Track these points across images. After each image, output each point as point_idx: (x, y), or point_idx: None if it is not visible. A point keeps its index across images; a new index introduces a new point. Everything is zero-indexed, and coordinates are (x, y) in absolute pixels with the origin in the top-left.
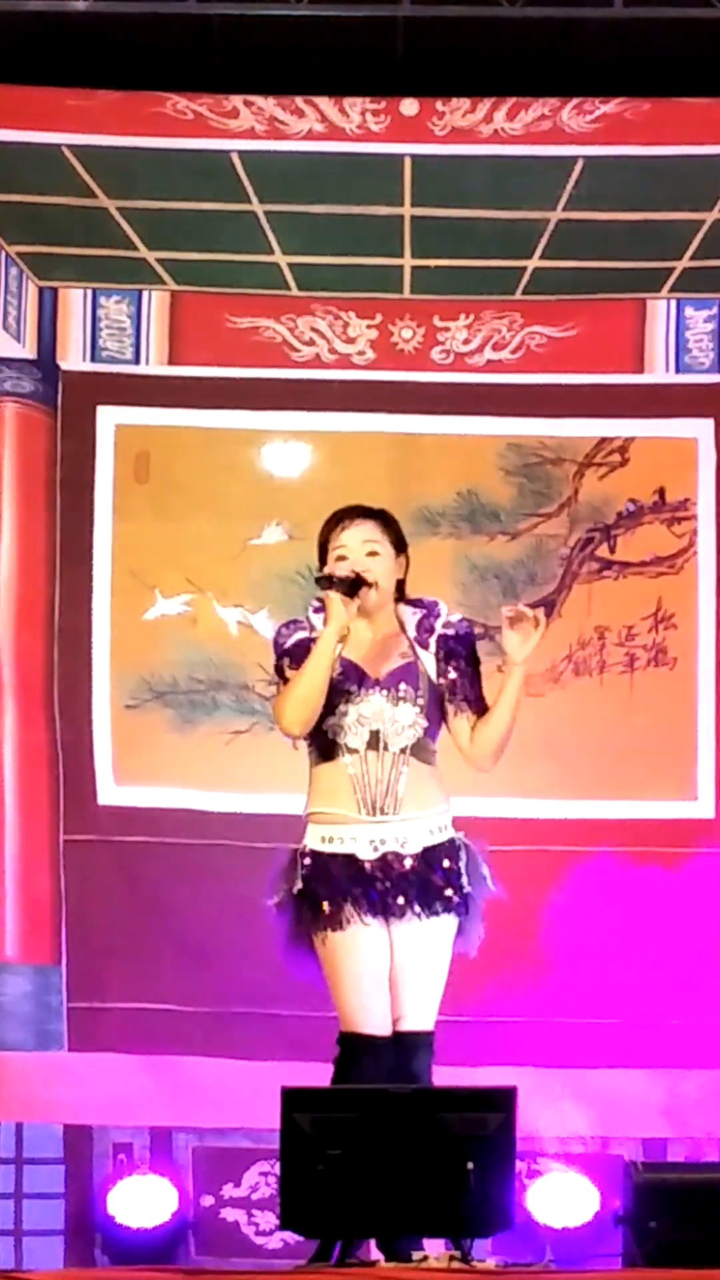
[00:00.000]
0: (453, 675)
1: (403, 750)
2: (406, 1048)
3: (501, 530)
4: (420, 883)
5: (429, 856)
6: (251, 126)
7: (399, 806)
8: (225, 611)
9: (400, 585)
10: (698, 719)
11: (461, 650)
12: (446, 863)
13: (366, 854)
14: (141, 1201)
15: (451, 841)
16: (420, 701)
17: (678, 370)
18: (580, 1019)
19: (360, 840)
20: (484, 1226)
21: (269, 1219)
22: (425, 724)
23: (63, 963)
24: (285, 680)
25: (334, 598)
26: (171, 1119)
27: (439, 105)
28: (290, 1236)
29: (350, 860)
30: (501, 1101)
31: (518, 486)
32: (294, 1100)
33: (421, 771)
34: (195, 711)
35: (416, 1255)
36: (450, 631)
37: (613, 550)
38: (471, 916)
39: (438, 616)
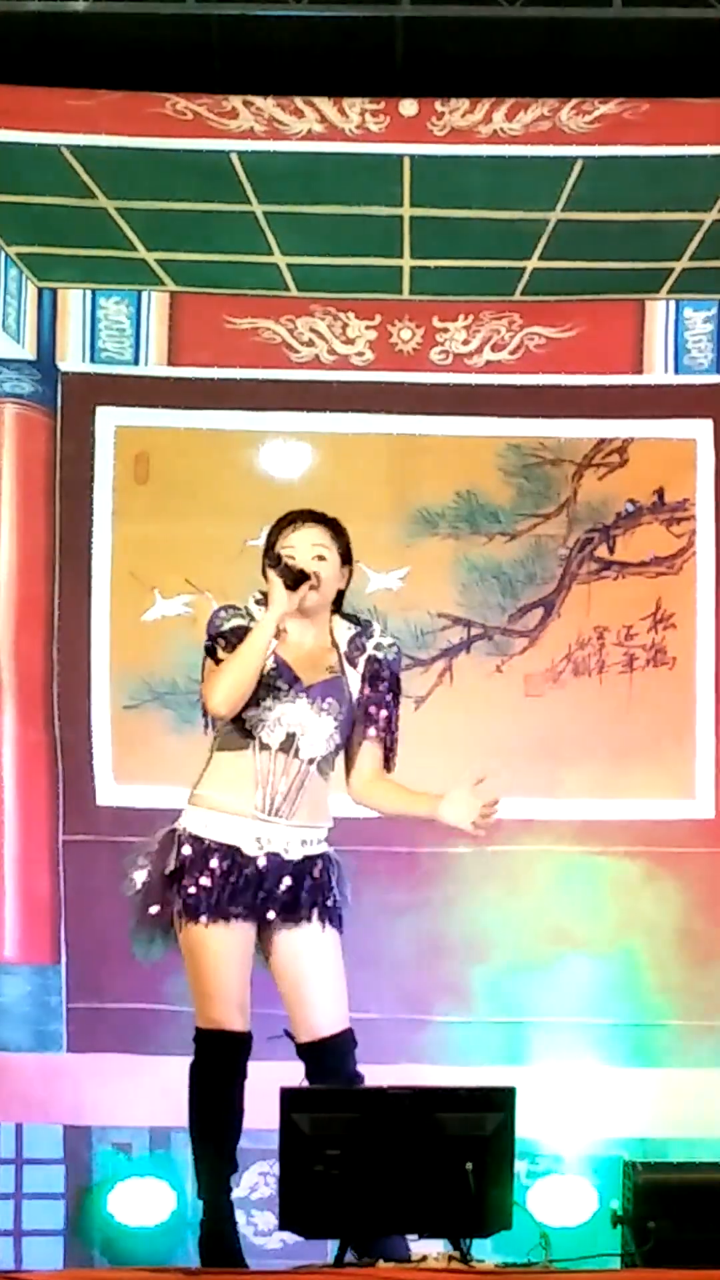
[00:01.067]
0: (372, 700)
1: (310, 760)
2: (330, 1052)
3: (501, 531)
4: (298, 888)
5: (306, 865)
6: (251, 127)
7: (293, 813)
8: None
9: (340, 598)
10: (697, 719)
11: (386, 676)
12: (318, 874)
13: (251, 849)
14: (141, 1201)
15: (325, 855)
16: (339, 718)
17: (677, 371)
18: (580, 1018)
19: (246, 835)
20: (484, 1226)
21: (268, 1219)
22: (338, 741)
23: (62, 963)
24: (217, 662)
25: (278, 583)
26: (171, 1119)
27: (438, 106)
28: (290, 1236)
29: (233, 852)
30: (501, 1101)
31: (517, 487)
32: (293, 1100)
33: (318, 784)
34: (194, 712)
35: (415, 1255)
36: (380, 655)
37: (612, 551)
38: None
39: (370, 637)
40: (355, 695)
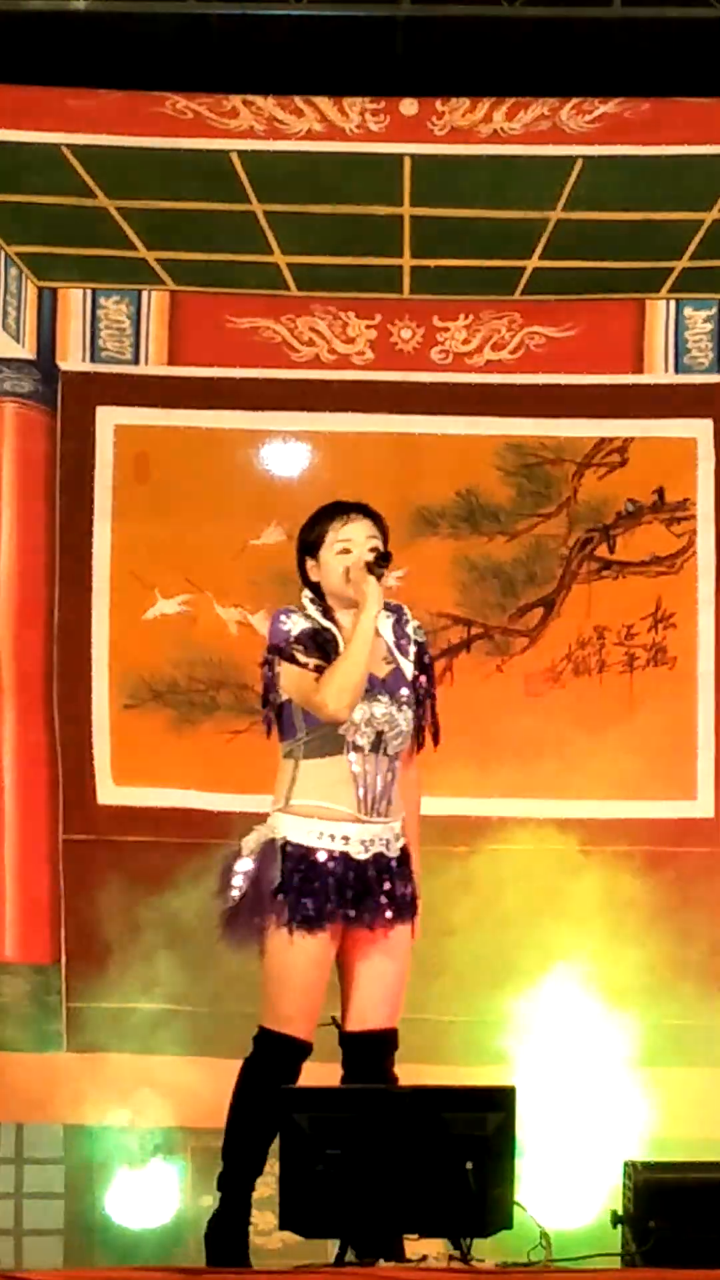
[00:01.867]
0: (424, 687)
1: (394, 755)
2: (375, 1045)
3: (501, 530)
4: (395, 885)
5: (399, 859)
6: (251, 126)
7: (387, 810)
8: (225, 611)
9: None
10: (697, 718)
11: (427, 659)
12: (404, 867)
13: (359, 853)
14: (141, 1201)
15: (404, 848)
16: (413, 708)
17: (677, 370)
18: (580, 1018)
19: (353, 839)
20: (483, 1226)
21: (268, 1219)
22: (410, 732)
23: (62, 963)
24: (301, 666)
25: (373, 581)
26: (171, 1119)
27: (438, 105)
28: (290, 1236)
29: (343, 858)
30: (501, 1101)
31: (517, 487)
32: (293, 1100)
33: (397, 777)
34: (194, 711)
35: (415, 1255)
36: (421, 639)
37: (612, 550)
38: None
39: (408, 622)
40: (411, 682)
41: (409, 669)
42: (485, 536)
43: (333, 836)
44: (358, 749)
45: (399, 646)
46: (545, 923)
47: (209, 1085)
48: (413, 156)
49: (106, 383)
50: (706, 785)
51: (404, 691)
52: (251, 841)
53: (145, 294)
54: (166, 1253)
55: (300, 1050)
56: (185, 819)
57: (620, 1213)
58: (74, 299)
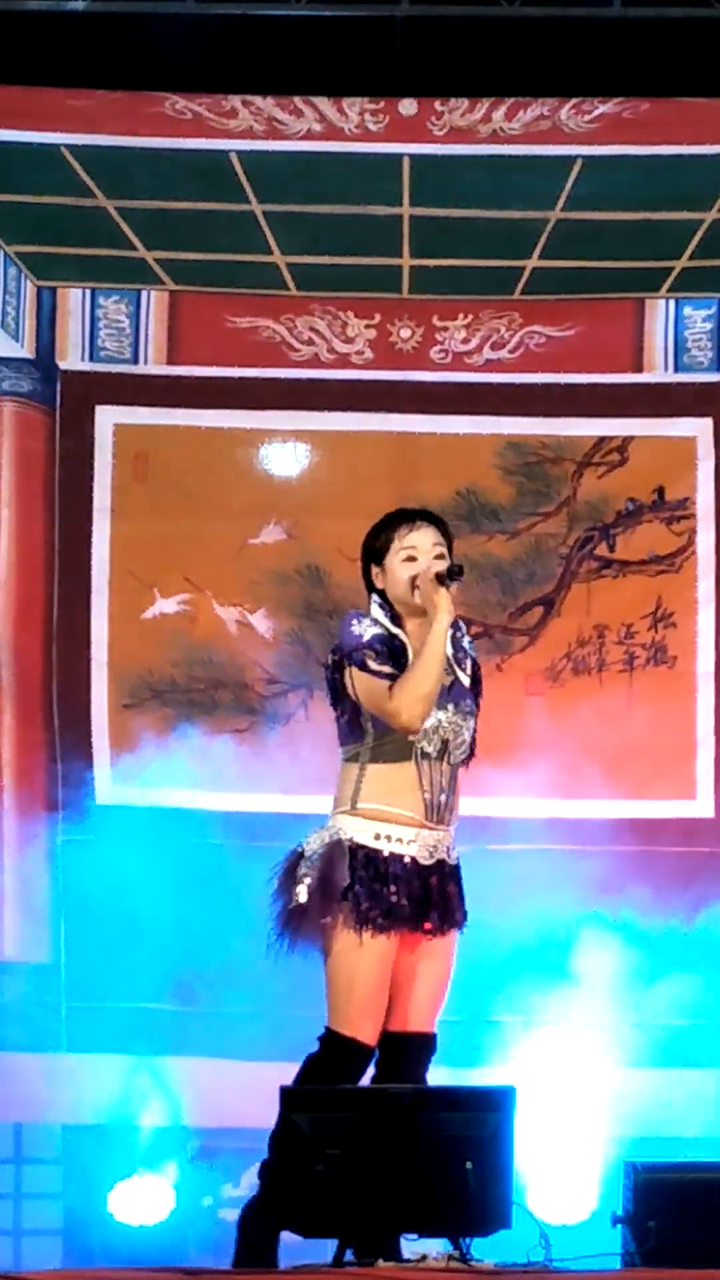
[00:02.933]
0: (477, 700)
1: (456, 764)
2: (415, 1049)
3: (501, 529)
4: (455, 891)
5: (457, 866)
6: (250, 126)
7: (450, 817)
8: (224, 611)
9: None
10: (697, 718)
11: (478, 674)
12: (459, 874)
13: (425, 858)
14: (141, 1201)
15: (457, 855)
16: (469, 716)
17: (676, 370)
18: (581, 1018)
19: (419, 844)
20: (482, 1226)
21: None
22: (470, 741)
23: (62, 963)
24: (371, 673)
25: (444, 593)
26: (171, 1119)
27: (438, 105)
28: (290, 1236)
29: (409, 862)
30: (500, 1101)
31: (517, 486)
32: (293, 1100)
33: (457, 786)
34: (194, 711)
35: (415, 1255)
36: (474, 655)
37: (612, 549)
38: None
39: (464, 636)
40: (470, 693)
41: (466, 681)
42: (485, 535)
43: (400, 840)
44: (425, 756)
45: (456, 659)
46: (544, 922)
47: (209, 1085)
48: (412, 156)
49: (106, 382)
50: (706, 785)
51: (467, 702)
52: (315, 843)
53: (144, 294)
54: (166, 1253)
55: (366, 1054)
56: (184, 819)
57: (620, 1213)
58: (73, 298)
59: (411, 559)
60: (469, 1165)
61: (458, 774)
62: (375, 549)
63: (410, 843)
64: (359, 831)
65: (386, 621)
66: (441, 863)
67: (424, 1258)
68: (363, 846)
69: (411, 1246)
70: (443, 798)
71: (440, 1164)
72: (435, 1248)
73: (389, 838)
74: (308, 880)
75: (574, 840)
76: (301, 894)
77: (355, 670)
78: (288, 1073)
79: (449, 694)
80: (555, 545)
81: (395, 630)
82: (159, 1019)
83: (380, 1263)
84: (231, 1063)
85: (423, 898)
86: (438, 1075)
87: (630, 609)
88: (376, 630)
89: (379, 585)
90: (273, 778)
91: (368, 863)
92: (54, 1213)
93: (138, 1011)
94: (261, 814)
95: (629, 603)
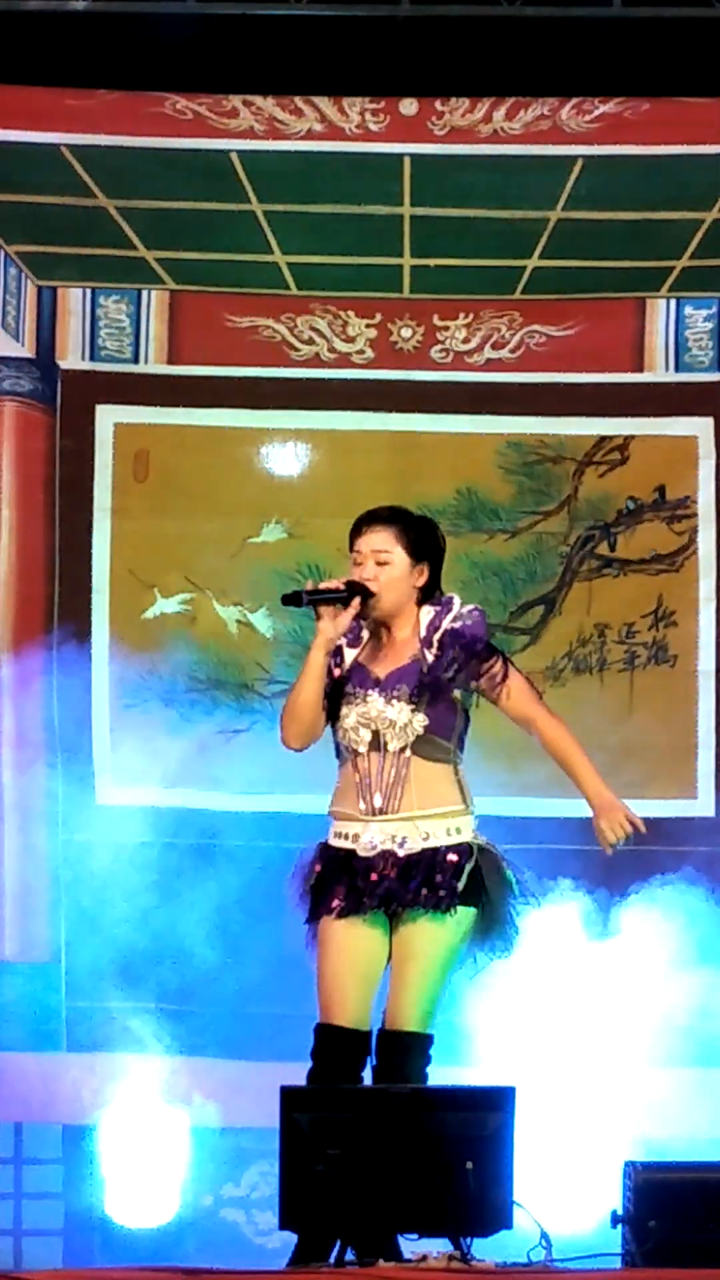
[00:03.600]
0: (453, 666)
1: (403, 749)
2: (390, 1048)
3: (501, 528)
4: (410, 882)
5: (427, 856)
6: (251, 126)
7: (399, 805)
8: (224, 610)
9: (428, 588)
10: (698, 717)
11: (459, 642)
12: (447, 861)
13: (366, 851)
14: (141, 1201)
15: (460, 845)
16: (415, 699)
17: (677, 369)
18: (581, 1018)
19: (361, 839)
20: (483, 1226)
21: (268, 1219)
22: (425, 721)
23: (62, 963)
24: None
25: (324, 614)
26: (171, 1119)
27: (438, 105)
28: (290, 1236)
29: (350, 857)
30: (500, 1101)
31: (517, 485)
32: (293, 1100)
33: (429, 770)
34: (194, 711)
35: (415, 1255)
36: (456, 625)
37: (613, 548)
38: (494, 920)
39: (449, 612)
40: (437, 673)
41: (429, 659)
42: (486, 534)
43: (345, 836)
44: (356, 752)
45: (425, 640)
46: (544, 922)
47: (210, 1085)
48: (413, 156)
49: (106, 381)
50: (706, 784)
51: (400, 686)
52: (312, 846)
53: (145, 293)
54: (166, 1253)
55: (341, 1037)
56: (184, 819)
57: (620, 1213)
58: (74, 298)
59: (358, 564)
60: (469, 1165)
61: (407, 760)
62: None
63: (354, 837)
64: (330, 834)
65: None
66: (389, 854)
67: (424, 1258)
68: (326, 845)
69: (412, 1246)
70: (383, 789)
71: (440, 1164)
72: (435, 1248)
73: (341, 834)
74: (296, 884)
75: (574, 840)
76: (293, 895)
77: None
78: (288, 1073)
79: (378, 684)
80: (556, 544)
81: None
82: (159, 1019)
83: (380, 1263)
84: (232, 1063)
85: (366, 886)
86: (438, 1075)
87: (631, 608)
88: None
89: None
90: (273, 778)
91: (329, 860)
92: (54, 1213)
93: (138, 1011)
94: (262, 814)
95: (630, 602)
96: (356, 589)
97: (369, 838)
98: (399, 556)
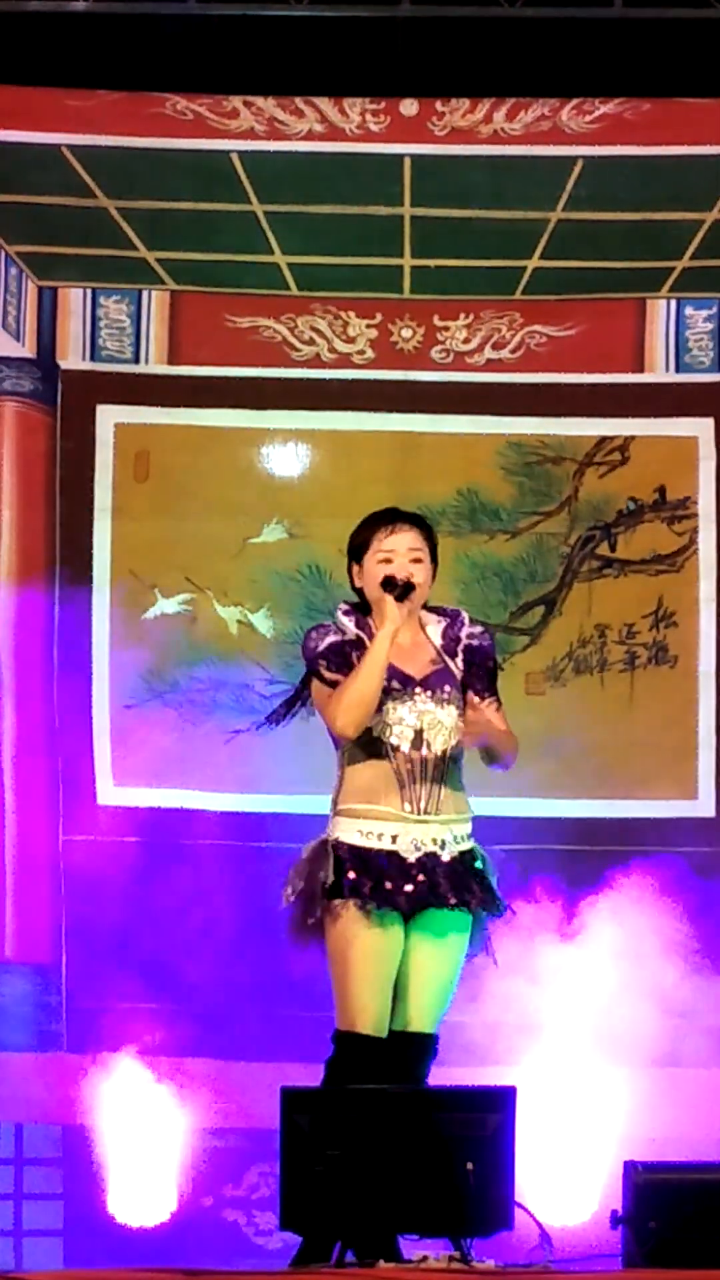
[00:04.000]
0: (478, 677)
1: (444, 752)
2: (410, 1049)
3: (502, 529)
4: (451, 888)
5: (458, 863)
6: (251, 127)
7: (438, 808)
8: (225, 610)
9: None
10: (698, 717)
11: (481, 660)
12: (471, 870)
13: (409, 852)
14: (141, 1201)
15: (473, 850)
16: (459, 706)
17: (678, 370)
18: (581, 1019)
19: (403, 838)
20: (483, 1226)
21: (269, 1219)
22: (461, 729)
23: (63, 963)
24: (325, 683)
25: (389, 600)
26: (172, 1119)
27: (439, 105)
28: (290, 1237)
29: (393, 857)
30: (500, 1102)
31: (518, 485)
32: (294, 1100)
33: (456, 776)
34: (195, 711)
35: (415, 1255)
36: (474, 642)
37: (613, 548)
38: (482, 924)
39: (463, 625)
40: (459, 680)
41: (456, 670)
42: (486, 535)
43: (379, 836)
44: (396, 750)
45: (447, 649)
46: (544, 922)
47: (210, 1085)
48: (413, 156)
49: (107, 381)
50: (707, 785)
51: (447, 688)
52: (306, 847)
53: (145, 293)
54: (166, 1253)
55: (368, 1046)
56: (184, 819)
57: (620, 1213)
58: (74, 298)
59: (387, 561)
60: (469, 1165)
61: (447, 763)
62: (355, 547)
63: (392, 837)
64: (345, 831)
65: (351, 626)
66: (432, 856)
67: (424, 1258)
68: (351, 845)
69: (412, 1247)
70: (426, 790)
71: (441, 1164)
72: (436, 1248)
73: (370, 834)
74: (296, 883)
75: (574, 840)
76: (289, 896)
77: (314, 680)
78: (288, 1073)
79: (423, 683)
80: (556, 545)
81: (356, 634)
82: (159, 1019)
83: (380, 1263)
84: (231, 1063)
85: (412, 893)
86: (438, 1075)
87: (632, 608)
88: (332, 639)
89: (358, 584)
90: (273, 778)
91: (351, 859)
92: (54, 1213)
93: (138, 1011)
94: (261, 814)
95: (630, 602)
96: (412, 586)
97: (410, 838)
98: (426, 557)
